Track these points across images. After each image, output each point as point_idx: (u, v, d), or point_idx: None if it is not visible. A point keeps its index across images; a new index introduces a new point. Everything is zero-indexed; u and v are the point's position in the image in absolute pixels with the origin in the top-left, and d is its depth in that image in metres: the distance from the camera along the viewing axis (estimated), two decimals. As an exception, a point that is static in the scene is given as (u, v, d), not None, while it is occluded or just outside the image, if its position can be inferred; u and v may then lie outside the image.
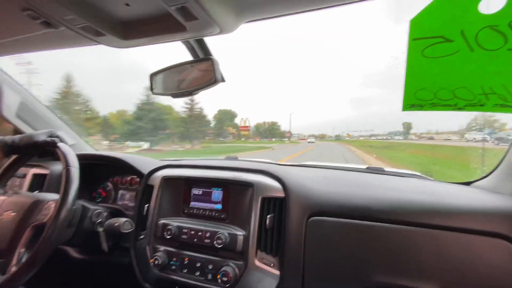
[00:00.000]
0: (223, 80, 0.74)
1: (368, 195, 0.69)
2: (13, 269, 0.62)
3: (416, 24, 0.54)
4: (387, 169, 1.11)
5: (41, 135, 0.77)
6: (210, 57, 0.64)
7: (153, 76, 0.76)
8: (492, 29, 0.50)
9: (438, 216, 0.60)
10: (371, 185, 0.78)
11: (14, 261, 0.63)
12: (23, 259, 0.63)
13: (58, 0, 0.48)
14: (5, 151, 0.75)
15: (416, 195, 0.69)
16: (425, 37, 0.55)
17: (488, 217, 0.58)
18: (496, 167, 0.78)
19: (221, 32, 0.55)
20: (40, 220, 0.68)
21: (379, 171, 1.04)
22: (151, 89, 0.79)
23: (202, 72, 0.67)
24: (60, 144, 0.73)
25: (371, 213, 0.64)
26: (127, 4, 0.50)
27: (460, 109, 0.64)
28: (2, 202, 0.79)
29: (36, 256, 0.61)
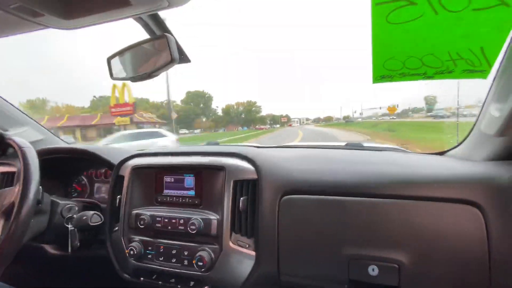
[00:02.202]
0: (185, 60, 0.70)
1: (340, 171, 0.69)
2: None
3: (378, -14, 0.51)
4: (366, 144, 1.11)
5: None
6: (165, 34, 0.59)
7: (110, 59, 0.71)
8: (455, -12, 0.47)
9: (409, 186, 0.61)
10: (345, 161, 0.77)
11: None
12: None
13: None
14: None
15: (389, 167, 0.69)
16: (387, 1, 0.52)
17: (459, 185, 0.58)
18: (468, 135, 0.78)
19: (170, 5, 0.50)
20: (7, 204, 0.65)
21: (357, 146, 1.04)
22: (110, 74, 0.73)
23: (158, 51, 0.62)
24: (6, 135, 0.69)
25: (342, 188, 0.64)
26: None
27: (429, 77, 0.63)
28: None
29: (10, 239, 0.60)
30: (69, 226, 0.76)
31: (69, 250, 0.75)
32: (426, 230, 0.56)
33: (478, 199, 0.55)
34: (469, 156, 0.74)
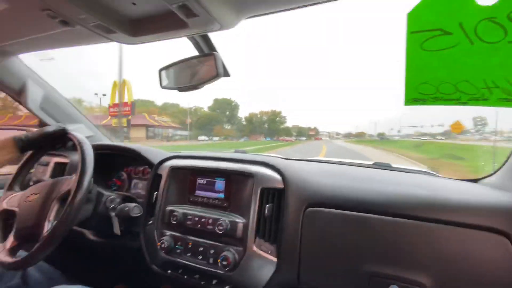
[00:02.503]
0: (226, 75, 0.77)
1: (367, 188, 0.70)
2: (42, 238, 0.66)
3: (414, 17, 0.54)
4: (394, 165, 1.10)
5: (50, 128, 0.82)
6: (213, 52, 0.67)
7: (161, 71, 0.81)
8: (491, 21, 0.49)
9: (436, 210, 0.61)
10: (372, 179, 0.78)
11: (44, 233, 0.67)
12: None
13: (72, 1, 0.53)
14: (20, 147, 0.79)
15: (417, 190, 0.69)
16: (423, 30, 0.55)
17: (488, 213, 0.57)
18: (504, 163, 0.76)
19: (222, 28, 0.58)
20: (63, 191, 0.73)
21: (385, 167, 1.04)
22: (160, 83, 0.83)
23: (206, 66, 0.70)
24: (69, 131, 0.79)
25: (367, 205, 0.65)
26: (134, 3, 0.54)
27: (463, 103, 0.63)
28: (25, 192, 0.86)
29: (63, 222, 0.66)
30: (112, 214, 0.85)
31: (118, 233, 0.83)
32: (451, 255, 0.56)
33: (508, 229, 0.54)
34: (504, 186, 0.71)
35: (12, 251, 0.72)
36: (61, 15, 0.61)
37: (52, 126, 0.84)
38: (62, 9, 0.58)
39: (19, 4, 0.63)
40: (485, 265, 0.54)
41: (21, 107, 1.13)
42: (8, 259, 0.70)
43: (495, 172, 0.82)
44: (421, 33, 0.55)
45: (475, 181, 0.86)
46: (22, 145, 0.79)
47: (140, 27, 0.62)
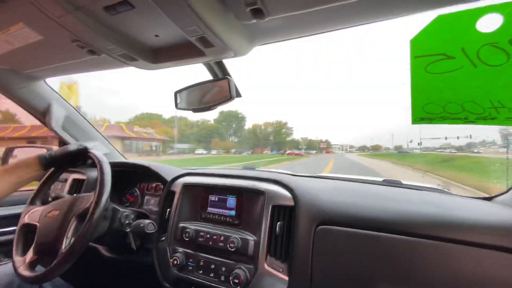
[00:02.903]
0: (238, 96, 0.81)
1: (378, 206, 0.70)
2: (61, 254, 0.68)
3: (417, 43, 0.57)
4: (405, 182, 1.10)
5: (72, 146, 0.87)
6: (227, 77, 0.72)
7: (177, 93, 0.86)
8: (493, 46, 0.51)
9: (449, 229, 0.60)
10: (383, 197, 0.78)
11: (62, 249, 0.69)
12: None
13: (101, 34, 0.59)
14: (44, 165, 0.83)
15: (429, 208, 0.68)
16: (426, 55, 0.57)
17: (503, 232, 0.57)
18: None
19: (236, 55, 0.63)
20: (82, 208, 0.75)
21: (396, 184, 1.04)
22: (176, 104, 0.88)
23: (219, 89, 0.74)
24: (90, 149, 0.83)
25: (378, 223, 0.65)
26: (157, 35, 0.60)
27: (471, 122, 0.65)
28: (46, 207, 0.90)
29: (82, 238, 0.68)
30: (128, 230, 0.87)
31: (134, 248, 0.85)
32: (465, 274, 0.55)
33: None
34: None
35: (31, 265, 0.75)
36: (90, 46, 0.67)
37: (74, 144, 0.89)
38: (91, 40, 0.64)
39: (52, 36, 0.70)
40: (500, 285, 0.53)
41: (21, 119, 1.20)
42: (28, 273, 0.72)
43: (509, 190, 0.81)
44: (425, 57, 0.58)
45: (488, 199, 0.85)
46: (46, 163, 0.84)
47: (161, 55, 0.68)
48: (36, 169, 0.81)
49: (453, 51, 0.56)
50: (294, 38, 0.61)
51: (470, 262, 0.56)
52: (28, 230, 0.84)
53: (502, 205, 0.75)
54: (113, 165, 1.12)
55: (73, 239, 0.71)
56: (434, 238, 0.60)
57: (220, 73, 0.74)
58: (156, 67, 0.71)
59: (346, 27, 0.60)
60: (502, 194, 0.83)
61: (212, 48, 0.58)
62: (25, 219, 0.85)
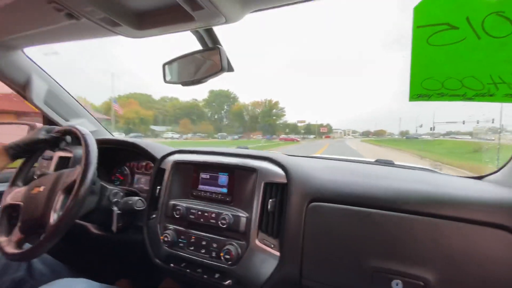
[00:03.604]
0: (230, 69, 0.77)
1: (370, 184, 0.70)
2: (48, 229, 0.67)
3: (420, 11, 0.54)
4: (397, 162, 1.10)
5: (41, 133, 0.84)
6: (218, 46, 0.67)
7: (165, 65, 0.81)
8: (499, 15, 0.49)
9: (440, 205, 0.61)
10: (375, 175, 0.78)
11: (50, 223, 0.68)
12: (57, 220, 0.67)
13: None
14: (11, 155, 0.80)
15: (421, 185, 0.69)
16: (429, 24, 0.55)
17: (493, 209, 0.57)
18: (508, 161, 0.76)
19: (227, 21, 0.58)
20: (68, 182, 0.73)
21: (388, 163, 1.04)
22: (164, 78, 0.83)
23: (210, 61, 0.70)
24: (77, 126, 0.80)
25: (370, 200, 0.65)
26: (140, -4, 0.54)
27: (469, 99, 0.63)
28: (29, 185, 0.87)
29: (69, 211, 0.66)
30: (115, 209, 0.85)
31: (114, 230, 0.84)
32: (455, 250, 0.56)
33: None
34: (508, 183, 0.71)
35: (18, 244, 0.73)
36: (67, 8, 0.61)
37: (42, 130, 0.85)
38: (68, 1, 0.58)
39: None
40: (489, 261, 0.54)
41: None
42: (15, 250, 0.70)
43: (499, 170, 0.81)
44: (427, 27, 0.55)
45: (479, 178, 0.86)
46: (13, 153, 0.81)
47: (146, 20, 0.62)
48: (2, 160, 0.78)
49: (458, 21, 0.53)
50: (292, 3, 0.57)
51: (461, 238, 0.56)
52: (12, 211, 0.81)
53: (493, 184, 0.76)
54: (100, 142, 1.08)
55: (61, 212, 0.69)
56: (425, 214, 0.60)
57: (211, 42, 0.69)
58: (142, 34, 0.66)
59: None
60: (492, 173, 0.84)
61: (201, 12, 0.53)
62: (8, 199, 0.82)
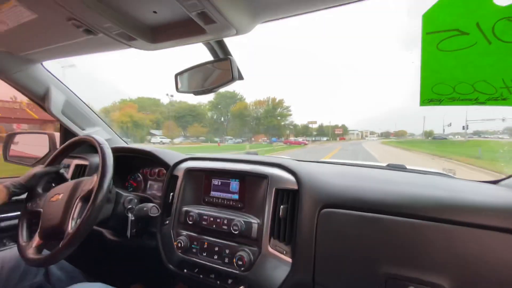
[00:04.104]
0: (241, 78, 0.79)
1: (383, 189, 0.70)
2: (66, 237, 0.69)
3: (429, 18, 0.54)
4: (409, 167, 1.09)
5: (39, 170, 0.87)
6: (229, 57, 0.69)
7: (177, 75, 0.83)
8: (509, 21, 0.49)
9: (455, 211, 0.60)
10: (387, 180, 0.78)
11: (69, 230, 0.70)
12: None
13: (97, 10, 0.56)
14: (11, 194, 0.81)
15: (434, 190, 0.68)
16: (439, 30, 0.55)
17: (509, 214, 0.56)
18: None
19: (238, 33, 0.60)
20: (85, 190, 0.76)
21: (400, 168, 1.03)
22: (176, 88, 0.86)
23: (221, 70, 0.72)
24: (94, 136, 0.83)
25: (383, 206, 0.65)
26: (155, 12, 0.57)
27: (481, 103, 0.63)
28: (49, 193, 0.90)
29: (87, 219, 0.68)
30: (130, 215, 0.88)
31: (128, 236, 0.86)
32: (471, 257, 0.55)
33: None
34: None
35: (38, 249, 0.76)
36: (86, 24, 0.64)
37: (38, 167, 0.88)
38: (87, 18, 0.61)
39: (46, 14, 0.67)
40: (506, 267, 0.53)
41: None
42: (35, 256, 0.73)
43: (515, 174, 0.79)
44: (437, 33, 0.55)
45: (494, 182, 0.84)
46: (13, 191, 0.82)
47: (160, 34, 0.65)
48: (2, 198, 0.80)
49: (467, 27, 0.53)
50: (301, 14, 0.58)
51: (475, 244, 0.55)
52: (32, 217, 0.84)
53: (508, 188, 0.74)
54: (115, 150, 1.11)
55: (78, 220, 0.72)
56: (439, 220, 0.60)
57: (222, 53, 0.71)
58: (156, 47, 0.69)
59: (352, 2, 0.57)
60: (507, 178, 0.82)
61: (213, 25, 0.55)
62: (28, 206, 0.86)
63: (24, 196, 0.89)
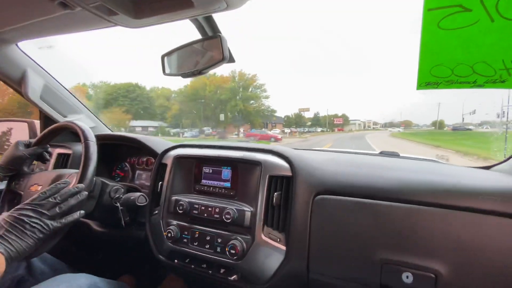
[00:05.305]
0: (232, 60, 0.74)
1: (377, 175, 0.69)
2: None
3: (432, -8, 0.51)
4: (402, 154, 1.09)
5: (19, 151, 0.85)
6: (218, 34, 0.65)
7: (164, 57, 0.78)
8: (515, -4, 0.46)
9: (451, 196, 0.59)
10: (381, 167, 0.77)
11: None
12: None
13: None
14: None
15: (429, 176, 0.67)
16: (441, 6, 0.52)
17: (503, 198, 0.56)
18: None
19: (228, 7, 0.55)
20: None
21: (393, 155, 1.03)
22: (163, 70, 0.81)
23: (210, 50, 0.67)
24: (77, 122, 0.78)
25: (378, 192, 0.64)
26: (137, -19, 0.52)
27: (479, 86, 0.61)
28: (30, 179, 0.85)
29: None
30: (118, 204, 0.83)
31: (123, 225, 0.82)
32: (465, 240, 0.54)
33: None
34: None
35: None
36: None
37: (19, 146, 0.86)
38: (61, -12, 0.55)
39: None
40: (500, 250, 0.53)
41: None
42: None
43: (507, 159, 0.80)
44: (439, 10, 0.53)
45: (487, 168, 0.85)
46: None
47: (143, 8, 0.60)
48: None
49: (471, 2, 0.50)
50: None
51: (471, 229, 0.55)
52: (14, 197, 0.81)
53: (501, 173, 0.74)
54: (99, 138, 1.06)
55: None
56: (433, 205, 0.59)
57: (211, 31, 0.67)
58: (139, 23, 0.63)
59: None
60: (500, 163, 0.82)
61: None
62: (11, 185, 0.85)
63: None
